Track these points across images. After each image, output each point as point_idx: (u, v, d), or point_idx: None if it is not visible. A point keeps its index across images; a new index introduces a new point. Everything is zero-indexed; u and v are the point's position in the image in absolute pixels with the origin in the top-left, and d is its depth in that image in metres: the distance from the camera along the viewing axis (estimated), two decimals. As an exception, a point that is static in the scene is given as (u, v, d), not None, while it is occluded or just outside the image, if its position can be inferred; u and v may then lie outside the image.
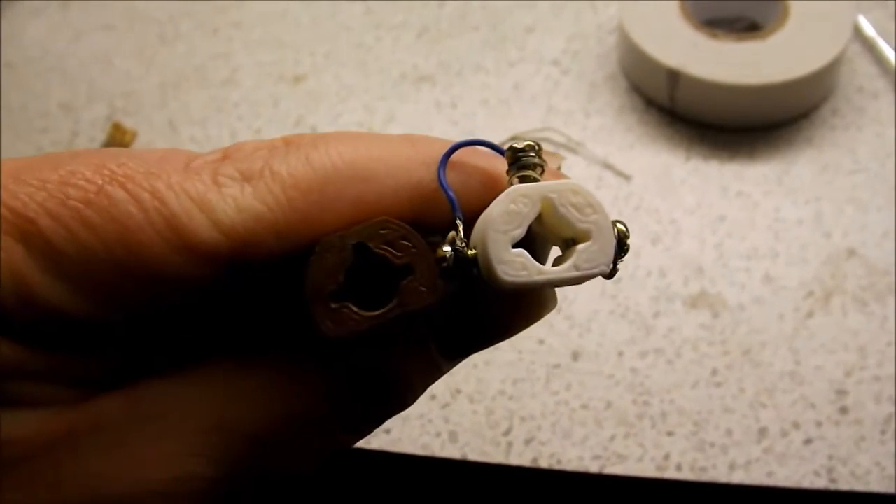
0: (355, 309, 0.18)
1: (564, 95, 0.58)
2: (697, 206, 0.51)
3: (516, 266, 0.18)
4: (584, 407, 0.44)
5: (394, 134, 0.21)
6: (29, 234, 0.18)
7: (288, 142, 0.20)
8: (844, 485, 0.41)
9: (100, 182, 0.18)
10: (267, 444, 0.20)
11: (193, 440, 0.19)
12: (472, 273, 0.18)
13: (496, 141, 0.54)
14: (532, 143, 0.20)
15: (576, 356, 0.46)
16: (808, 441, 0.42)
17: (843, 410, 0.43)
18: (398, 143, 0.20)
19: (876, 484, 0.41)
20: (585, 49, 0.61)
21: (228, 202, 0.18)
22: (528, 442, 0.43)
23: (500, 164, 0.20)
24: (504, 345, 0.46)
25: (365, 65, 0.62)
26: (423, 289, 0.18)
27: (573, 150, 0.54)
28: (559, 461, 0.43)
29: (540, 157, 0.20)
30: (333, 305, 0.18)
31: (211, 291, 0.19)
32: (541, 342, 0.46)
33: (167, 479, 0.19)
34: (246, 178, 0.19)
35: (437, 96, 0.59)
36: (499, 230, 0.18)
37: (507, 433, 0.44)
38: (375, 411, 0.21)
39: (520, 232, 0.18)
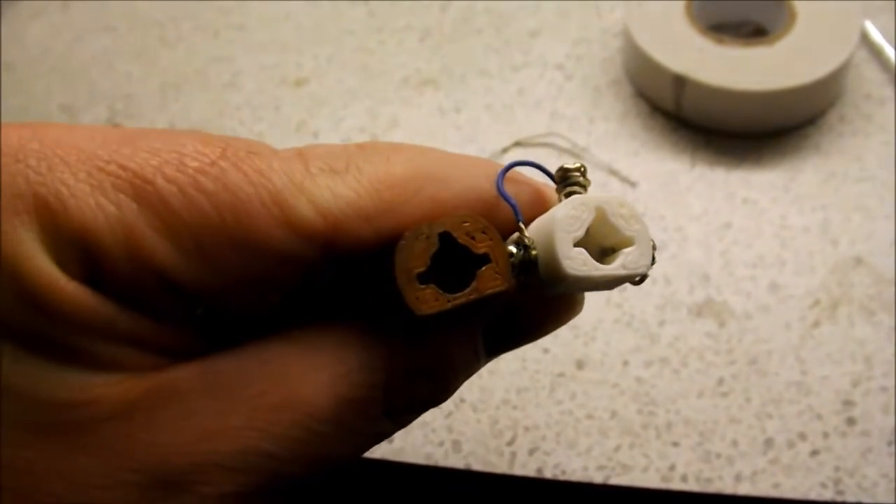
0: (440, 290, 0.20)
1: (569, 100, 0.58)
2: (703, 213, 0.51)
3: (578, 262, 0.21)
4: (589, 416, 0.44)
5: (454, 152, 0.23)
6: (145, 193, 0.19)
7: (363, 147, 0.22)
8: (851, 497, 0.41)
9: (214, 155, 0.19)
10: (327, 425, 0.21)
11: (259, 416, 0.20)
12: (531, 272, 0.21)
13: (500, 147, 0.54)
14: (580, 165, 0.23)
15: (580, 365, 0.45)
16: (814, 452, 0.42)
17: (850, 421, 0.43)
18: (462, 157, 0.23)
19: (883, 496, 0.41)
20: (590, 54, 0.60)
21: (325, 189, 0.20)
22: (532, 452, 0.43)
23: (546, 185, 0.24)
24: (507, 354, 0.46)
25: (367, 68, 0.61)
26: (499, 275, 0.20)
27: (577, 156, 0.54)
28: (563, 471, 0.42)
29: (585, 177, 0.23)
30: (421, 286, 0.20)
31: (304, 271, 0.21)
32: (545, 351, 0.46)
33: (230, 453, 0.20)
34: (334, 171, 0.21)
35: (440, 101, 0.58)
36: (564, 230, 0.21)
37: (510, 443, 0.43)
38: (422, 399, 0.23)
39: (580, 234, 0.21)
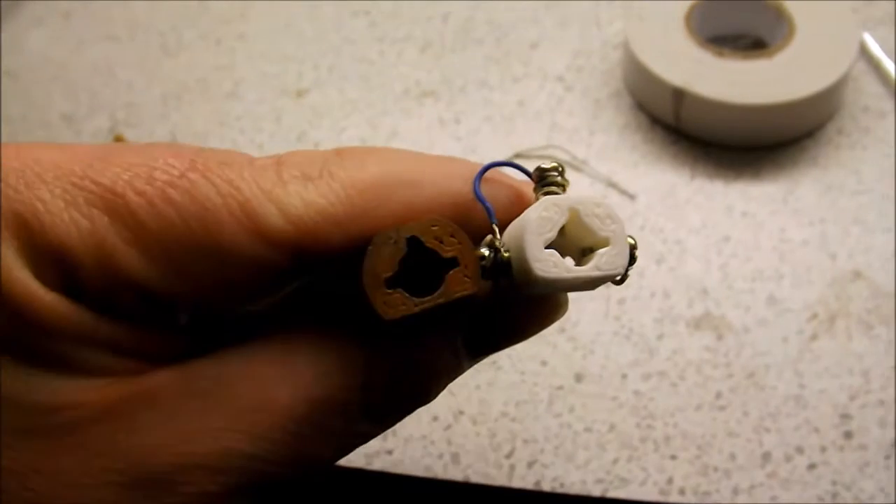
0: (407, 295, 0.20)
1: (568, 112, 0.58)
2: (702, 225, 0.51)
3: (549, 264, 0.20)
4: (588, 430, 0.44)
5: (431, 154, 0.24)
6: (115, 207, 0.20)
7: (341, 152, 0.22)
8: (849, 510, 0.41)
9: (182, 168, 0.20)
10: (304, 425, 0.21)
11: (238, 418, 0.21)
12: (505, 273, 0.21)
13: (499, 158, 0.54)
14: (557, 165, 0.23)
15: (579, 378, 0.46)
16: (812, 466, 0.42)
17: (848, 435, 0.43)
18: (436, 159, 0.23)
19: (880, 510, 0.41)
20: (589, 65, 0.61)
21: (294, 196, 0.20)
22: (530, 465, 0.43)
23: (525, 185, 0.23)
24: (507, 366, 0.46)
25: (368, 79, 0.61)
26: (467, 279, 0.20)
27: (577, 168, 0.54)
28: (562, 484, 0.42)
29: (563, 177, 0.23)
30: (388, 291, 0.20)
31: (275, 277, 0.21)
32: (543, 363, 0.46)
33: (211, 453, 0.20)
34: (307, 178, 0.21)
35: (440, 112, 0.59)
36: (534, 233, 0.21)
37: (509, 455, 0.43)
38: (403, 402, 0.23)
39: (552, 235, 0.21)
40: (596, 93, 0.59)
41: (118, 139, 0.58)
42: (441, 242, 0.20)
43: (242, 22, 0.66)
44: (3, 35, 0.67)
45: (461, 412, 0.45)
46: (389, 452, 0.44)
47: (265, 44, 0.65)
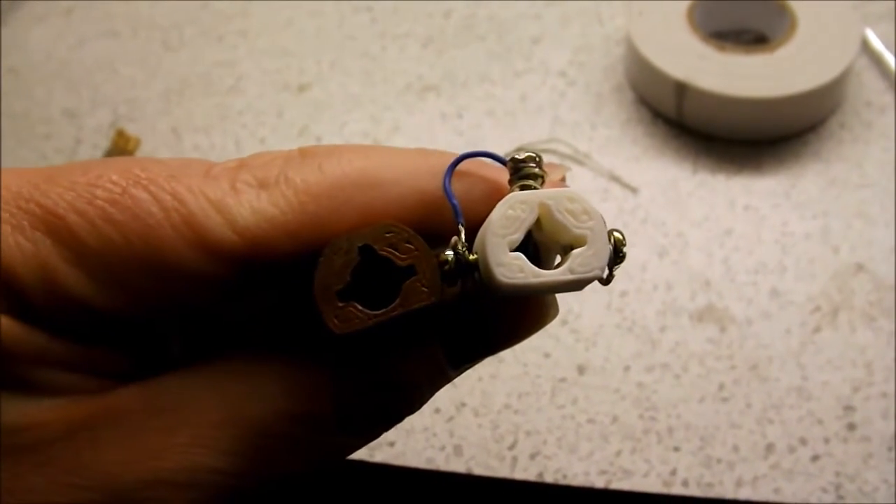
0: (360, 307, 0.19)
1: (571, 107, 0.58)
2: (704, 219, 0.51)
3: (513, 269, 0.18)
4: (590, 421, 0.44)
5: (404, 147, 0.22)
6: (57, 229, 0.19)
7: (303, 152, 0.21)
8: (852, 501, 0.41)
9: (125, 184, 0.20)
10: (272, 439, 0.21)
11: (204, 433, 0.20)
12: (474, 277, 0.19)
13: (501, 152, 0.54)
14: (533, 155, 0.20)
15: (581, 370, 0.46)
16: (815, 457, 0.42)
17: (851, 427, 0.43)
18: (406, 153, 0.21)
19: (883, 500, 0.41)
20: (592, 60, 0.61)
21: (244, 206, 0.20)
22: (533, 456, 0.43)
23: (503, 176, 0.21)
24: (509, 358, 0.46)
25: (370, 74, 0.61)
26: (425, 289, 0.19)
27: (580, 162, 0.54)
28: (565, 476, 0.42)
29: (540, 167, 0.20)
30: (340, 304, 0.19)
31: (226, 290, 0.21)
32: (546, 355, 0.46)
33: (177, 469, 0.20)
34: (262, 185, 0.20)
35: (442, 107, 0.59)
36: (497, 234, 0.19)
37: (512, 447, 0.43)
38: (382, 414, 0.22)
39: (518, 236, 0.19)
40: (598, 87, 0.59)
41: (120, 133, 0.58)
42: (396, 250, 0.19)
43: (244, 18, 0.66)
44: (5, 32, 0.67)
45: (463, 404, 0.45)
46: (391, 444, 0.44)
47: (267, 40, 0.65)
